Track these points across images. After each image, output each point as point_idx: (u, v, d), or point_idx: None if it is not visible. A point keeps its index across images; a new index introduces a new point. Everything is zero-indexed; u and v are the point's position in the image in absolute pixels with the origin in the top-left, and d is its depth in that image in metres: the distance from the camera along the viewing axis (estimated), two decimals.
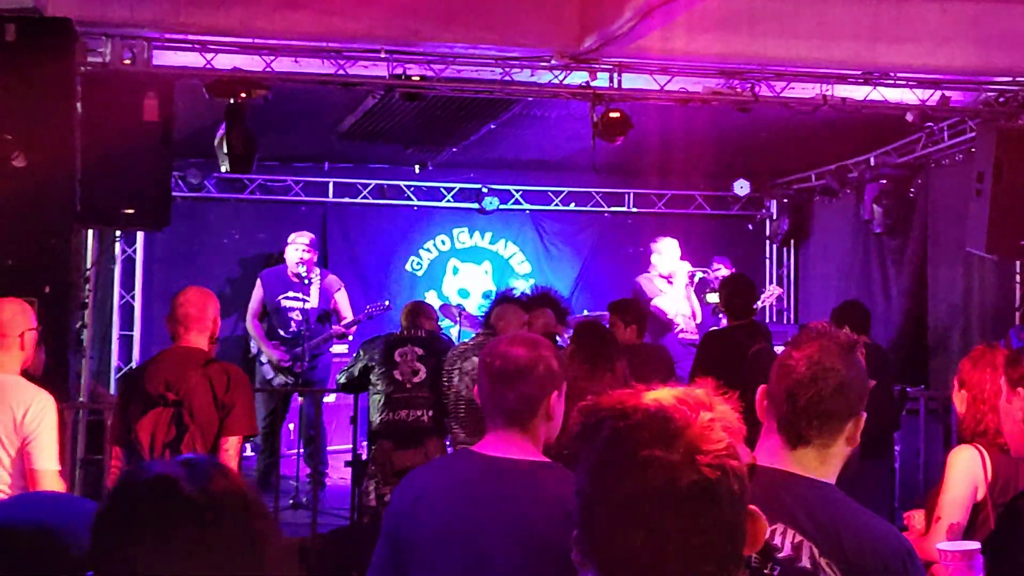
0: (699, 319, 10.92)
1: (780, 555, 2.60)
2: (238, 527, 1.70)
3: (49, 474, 5.05)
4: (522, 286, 11.87)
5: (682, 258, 11.20)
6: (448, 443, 7.53)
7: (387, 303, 10.93)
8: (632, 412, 1.70)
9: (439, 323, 9.00)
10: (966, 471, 4.43)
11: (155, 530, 1.67)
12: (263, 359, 10.52)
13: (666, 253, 11.10)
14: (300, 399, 10.44)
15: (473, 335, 8.10)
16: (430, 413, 7.87)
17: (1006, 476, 4.38)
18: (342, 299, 10.80)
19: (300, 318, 10.44)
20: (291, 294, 10.57)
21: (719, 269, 12.06)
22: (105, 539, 1.70)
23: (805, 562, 2.60)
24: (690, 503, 1.63)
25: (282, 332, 10.49)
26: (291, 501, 9.73)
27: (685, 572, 1.63)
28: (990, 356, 4.58)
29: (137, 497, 1.71)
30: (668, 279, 10.97)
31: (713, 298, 10.98)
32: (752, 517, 1.72)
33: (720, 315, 10.72)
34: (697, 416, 1.68)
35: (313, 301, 10.50)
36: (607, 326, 7.81)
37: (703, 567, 1.64)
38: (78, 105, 7.63)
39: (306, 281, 10.50)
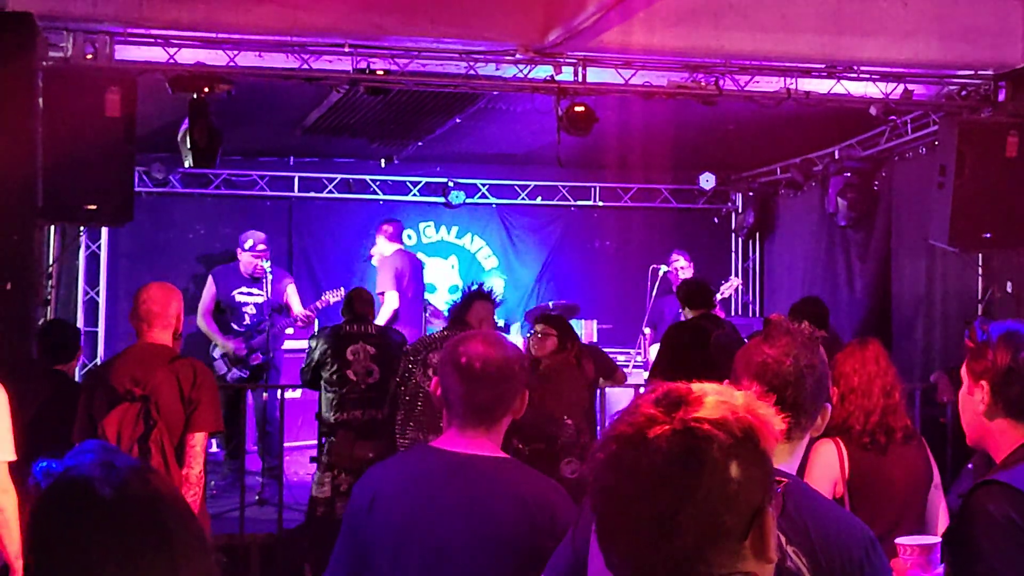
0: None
1: None
2: (150, 528, 1.74)
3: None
4: (489, 281, 11.84)
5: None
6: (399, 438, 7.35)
7: (341, 289, 10.68)
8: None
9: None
10: (824, 465, 4.54)
11: (71, 531, 1.72)
12: (216, 354, 10.47)
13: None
14: (264, 395, 10.36)
15: (439, 328, 8.07)
16: (384, 411, 7.85)
17: (865, 470, 4.52)
18: (292, 294, 10.88)
19: (254, 312, 10.46)
20: (244, 289, 10.61)
21: (677, 260, 12.10)
22: (33, 538, 1.77)
23: None
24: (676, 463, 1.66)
25: (235, 326, 10.51)
26: (257, 498, 9.69)
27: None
28: (859, 352, 4.67)
29: (56, 498, 1.76)
30: None
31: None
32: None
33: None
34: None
35: (266, 295, 10.50)
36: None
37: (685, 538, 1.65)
38: (39, 100, 7.56)
39: (269, 275, 10.50)
